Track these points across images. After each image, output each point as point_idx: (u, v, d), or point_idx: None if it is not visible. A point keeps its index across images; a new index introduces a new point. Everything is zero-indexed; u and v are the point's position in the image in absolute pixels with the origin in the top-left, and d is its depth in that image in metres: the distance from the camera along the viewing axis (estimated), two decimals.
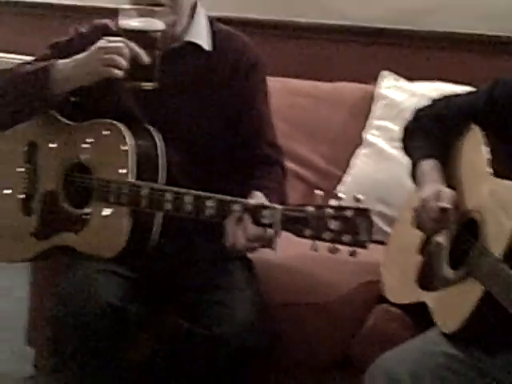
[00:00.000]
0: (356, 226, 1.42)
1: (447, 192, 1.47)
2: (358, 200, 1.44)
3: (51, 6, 3.32)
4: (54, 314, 1.66)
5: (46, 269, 2.10)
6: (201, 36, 1.83)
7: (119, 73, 1.61)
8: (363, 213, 1.43)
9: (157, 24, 1.65)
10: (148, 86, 1.66)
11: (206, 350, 1.59)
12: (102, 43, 1.64)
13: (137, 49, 1.62)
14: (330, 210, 1.44)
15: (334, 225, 1.43)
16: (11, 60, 3.32)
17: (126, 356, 1.66)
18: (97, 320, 1.57)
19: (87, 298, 1.59)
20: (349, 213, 1.43)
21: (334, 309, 1.76)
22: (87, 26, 1.83)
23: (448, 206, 1.43)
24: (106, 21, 1.86)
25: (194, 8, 1.84)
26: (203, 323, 1.60)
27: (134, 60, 1.62)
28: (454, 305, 1.42)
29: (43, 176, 1.85)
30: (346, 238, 1.43)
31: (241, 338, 1.58)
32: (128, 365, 1.66)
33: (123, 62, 1.60)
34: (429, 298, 1.52)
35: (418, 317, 1.56)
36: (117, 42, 1.62)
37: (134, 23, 1.65)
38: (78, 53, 1.71)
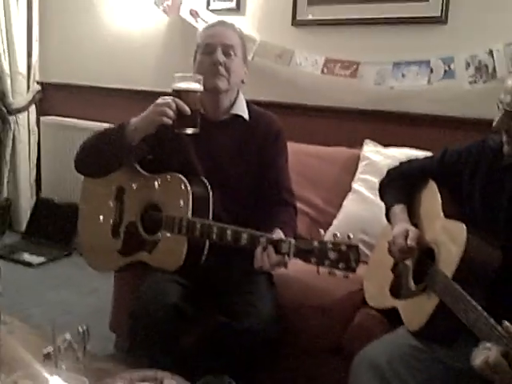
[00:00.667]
0: (348, 256, 1.44)
1: (413, 231, 1.47)
2: (349, 237, 1.46)
3: (141, 91, 3.37)
4: (133, 311, 1.67)
5: (126, 276, 2.09)
6: (242, 110, 1.85)
7: (168, 120, 1.62)
8: (353, 247, 1.45)
9: (197, 86, 1.66)
10: (190, 130, 1.65)
11: (239, 339, 1.58)
12: (157, 100, 1.67)
13: (181, 102, 1.63)
14: (329, 245, 1.46)
15: (332, 255, 1.45)
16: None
17: (182, 342, 1.65)
18: (163, 315, 1.58)
19: (157, 300, 1.60)
20: (343, 247, 1.45)
21: (330, 310, 1.76)
22: None
23: (414, 245, 1.44)
24: None
25: (242, 81, 1.86)
26: (237, 319, 1.60)
27: (179, 111, 1.63)
28: (416, 310, 1.42)
29: (127, 210, 1.86)
30: (341, 265, 1.45)
31: (264, 330, 1.57)
32: (182, 348, 1.65)
33: (170, 113, 1.62)
34: (398, 304, 1.52)
35: (391, 318, 1.55)
36: (166, 98, 1.65)
37: (180, 85, 1.66)
38: None
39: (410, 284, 1.49)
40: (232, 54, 1.77)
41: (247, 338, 1.56)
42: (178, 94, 1.65)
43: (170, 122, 1.63)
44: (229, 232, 1.60)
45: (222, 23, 1.87)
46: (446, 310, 1.28)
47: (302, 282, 1.84)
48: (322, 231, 1.51)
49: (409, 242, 1.44)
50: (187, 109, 1.63)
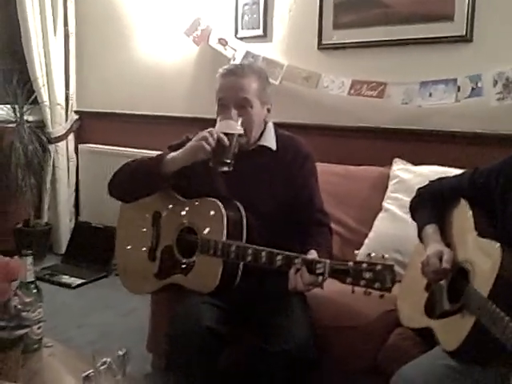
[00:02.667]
0: (384, 276, 1.42)
1: (447, 252, 1.44)
2: (384, 257, 1.44)
3: (174, 117, 3.42)
4: (169, 332, 1.67)
5: (162, 297, 2.09)
6: (270, 140, 1.84)
7: (208, 148, 1.64)
8: (389, 266, 1.43)
9: (236, 130, 1.70)
10: (224, 168, 1.67)
11: (274, 362, 1.55)
12: (199, 134, 1.69)
13: (220, 135, 1.66)
14: (364, 265, 1.44)
15: (367, 275, 1.43)
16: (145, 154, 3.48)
17: (217, 364, 1.64)
18: (198, 337, 1.57)
19: (192, 322, 1.60)
20: (378, 267, 1.43)
21: (365, 330, 1.73)
22: (193, 134, 1.87)
23: (448, 267, 1.41)
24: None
25: (265, 120, 1.86)
26: (272, 342, 1.57)
27: (217, 146, 1.65)
28: (453, 330, 1.38)
29: (163, 235, 1.87)
30: (376, 284, 1.42)
31: (299, 353, 1.55)
32: (217, 370, 1.64)
33: (211, 141, 1.64)
34: (433, 324, 1.47)
35: (426, 337, 1.51)
36: (206, 133, 1.67)
37: (222, 128, 1.68)
38: None
39: (445, 304, 1.45)
40: (247, 106, 1.75)
41: (283, 361, 1.54)
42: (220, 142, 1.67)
43: (209, 150, 1.65)
44: (263, 254, 1.60)
45: (234, 72, 1.78)
46: (483, 330, 1.24)
47: (336, 302, 1.82)
48: (356, 252, 1.50)
49: (443, 264, 1.41)
50: (226, 142, 1.65)
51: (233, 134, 1.68)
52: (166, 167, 1.73)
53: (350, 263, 1.46)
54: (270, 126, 1.88)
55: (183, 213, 1.83)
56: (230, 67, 1.84)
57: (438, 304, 1.48)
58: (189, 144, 1.71)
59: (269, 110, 1.86)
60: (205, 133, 1.68)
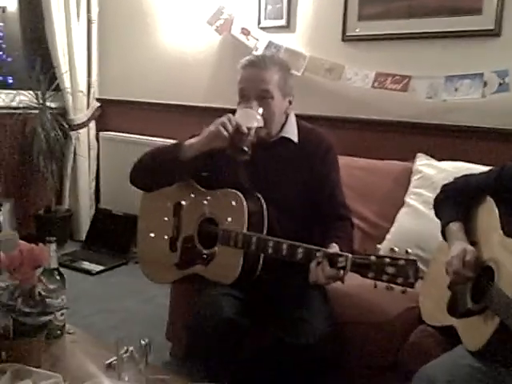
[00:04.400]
0: (406, 271, 1.40)
1: (470, 252, 1.42)
2: (407, 252, 1.42)
3: (195, 107, 3.42)
4: (189, 323, 1.68)
5: (182, 287, 2.09)
6: (292, 132, 1.83)
7: (225, 134, 1.63)
8: (412, 262, 1.41)
9: (254, 124, 1.68)
10: (242, 157, 1.67)
11: (294, 354, 1.56)
12: (217, 120, 1.68)
13: (239, 120, 1.65)
14: (387, 259, 1.42)
15: (390, 270, 1.41)
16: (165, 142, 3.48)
17: (237, 355, 1.64)
18: (219, 329, 1.58)
19: (213, 313, 1.60)
20: (401, 262, 1.41)
21: (387, 327, 1.72)
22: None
23: (470, 274, 1.40)
24: None
25: (286, 112, 1.84)
26: (293, 334, 1.57)
27: (235, 132, 1.64)
28: (476, 330, 1.36)
29: (184, 225, 1.87)
30: (399, 280, 1.40)
31: (319, 347, 1.55)
32: (238, 361, 1.65)
33: (229, 127, 1.64)
34: (456, 322, 1.46)
35: (448, 335, 1.50)
36: (224, 120, 1.66)
37: (240, 121, 1.67)
38: None
39: (469, 303, 1.43)
40: (268, 98, 1.74)
41: (302, 353, 1.54)
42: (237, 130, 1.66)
43: (227, 135, 1.64)
44: (284, 246, 1.59)
45: (255, 64, 1.77)
46: (508, 332, 1.23)
47: (358, 297, 1.81)
48: (378, 246, 1.48)
49: (466, 270, 1.40)
50: (244, 128, 1.64)
51: (253, 128, 1.67)
52: (185, 153, 1.72)
53: (373, 257, 1.44)
54: (292, 117, 1.87)
55: (204, 203, 1.83)
56: (252, 58, 1.82)
57: (462, 303, 1.46)
58: (207, 129, 1.71)
59: (290, 102, 1.84)
60: (223, 118, 1.68)
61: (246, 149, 1.65)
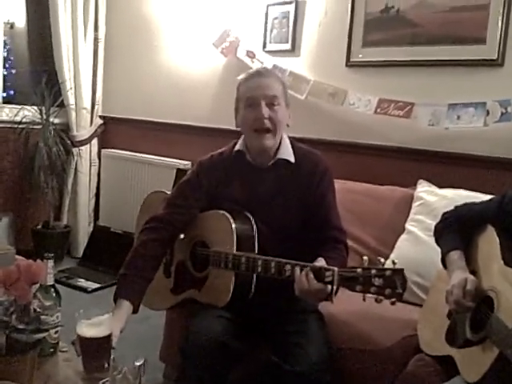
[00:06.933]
0: (394, 282, 1.39)
1: (471, 282, 1.42)
2: (394, 263, 1.41)
3: (198, 127, 3.45)
4: (183, 345, 1.66)
5: (177, 310, 2.04)
6: (287, 153, 1.82)
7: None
8: (399, 272, 1.39)
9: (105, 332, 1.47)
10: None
11: (288, 380, 1.53)
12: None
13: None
14: (374, 271, 1.41)
15: (377, 282, 1.40)
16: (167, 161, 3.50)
17: (230, 378, 1.62)
18: (210, 351, 1.57)
19: (206, 336, 1.59)
20: (388, 272, 1.40)
21: (383, 355, 1.70)
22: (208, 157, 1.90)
23: (471, 304, 1.39)
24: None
25: (287, 124, 1.83)
26: (288, 360, 1.55)
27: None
28: (474, 360, 1.35)
29: (177, 250, 1.87)
30: (387, 291, 1.39)
31: (315, 375, 1.53)
32: (228, 383, 1.62)
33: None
34: (454, 352, 1.45)
35: (446, 366, 1.48)
36: None
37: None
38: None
39: (467, 333, 1.42)
40: (276, 103, 1.74)
41: (299, 380, 1.52)
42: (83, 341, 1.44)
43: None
44: (273, 264, 1.59)
45: (260, 73, 1.80)
46: (507, 363, 1.22)
47: (355, 324, 1.79)
48: (365, 257, 1.45)
49: (466, 300, 1.39)
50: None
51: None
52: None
53: (359, 270, 1.42)
54: (286, 138, 1.85)
55: (195, 227, 1.83)
56: (253, 71, 1.84)
57: (460, 332, 1.45)
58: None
59: (288, 124, 1.82)
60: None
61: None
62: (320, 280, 1.49)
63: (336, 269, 1.47)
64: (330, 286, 1.48)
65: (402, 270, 1.39)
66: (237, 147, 1.84)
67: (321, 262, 1.56)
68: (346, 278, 1.45)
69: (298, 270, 1.53)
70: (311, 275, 1.50)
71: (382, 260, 1.43)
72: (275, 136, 1.76)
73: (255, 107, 1.73)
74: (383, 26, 2.71)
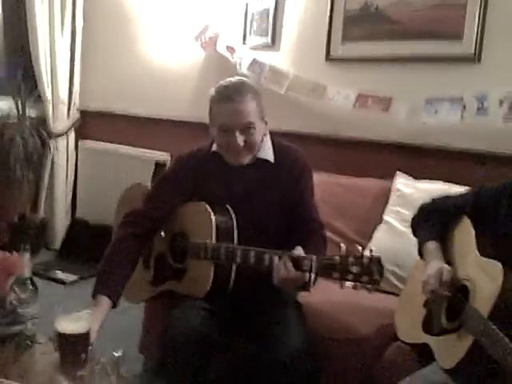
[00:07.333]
0: (371, 269, 1.40)
1: (446, 271, 1.44)
2: (371, 250, 1.43)
3: (176, 121, 3.43)
4: (162, 337, 1.65)
5: (156, 302, 2.05)
6: (268, 153, 1.80)
7: None
8: (376, 259, 1.41)
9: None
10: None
11: (268, 370, 1.54)
12: None
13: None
14: (351, 258, 1.42)
15: (354, 269, 1.40)
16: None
17: (211, 369, 1.62)
18: (191, 343, 1.56)
19: (186, 328, 1.59)
20: (366, 260, 1.40)
21: (361, 343, 1.72)
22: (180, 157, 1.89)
23: (447, 293, 1.42)
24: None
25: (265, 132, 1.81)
26: (267, 350, 1.56)
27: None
28: (450, 348, 1.37)
29: (157, 241, 1.87)
30: (364, 278, 1.40)
31: (294, 362, 1.53)
32: (212, 376, 1.63)
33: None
34: (430, 340, 1.47)
35: (423, 353, 1.50)
36: None
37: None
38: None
39: (443, 321, 1.44)
40: (252, 127, 1.69)
41: (276, 370, 1.53)
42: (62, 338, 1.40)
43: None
44: (252, 253, 1.59)
45: (231, 99, 1.67)
46: (481, 351, 1.24)
47: (332, 314, 1.81)
48: (342, 245, 1.46)
49: (443, 289, 1.41)
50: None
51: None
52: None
53: (337, 257, 1.43)
54: (267, 139, 1.83)
55: (175, 218, 1.83)
56: (225, 92, 1.70)
57: (436, 321, 1.47)
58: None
59: (266, 123, 1.80)
60: None
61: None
62: (298, 268, 1.49)
63: (314, 257, 1.48)
64: (307, 275, 1.49)
65: (379, 257, 1.41)
66: (213, 148, 1.81)
67: (299, 251, 1.57)
68: (323, 265, 1.46)
69: (276, 258, 1.54)
70: (289, 264, 1.50)
71: (360, 248, 1.44)
72: (252, 152, 1.75)
73: (229, 134, 1.69)
74: (363, 23, 2.73)
